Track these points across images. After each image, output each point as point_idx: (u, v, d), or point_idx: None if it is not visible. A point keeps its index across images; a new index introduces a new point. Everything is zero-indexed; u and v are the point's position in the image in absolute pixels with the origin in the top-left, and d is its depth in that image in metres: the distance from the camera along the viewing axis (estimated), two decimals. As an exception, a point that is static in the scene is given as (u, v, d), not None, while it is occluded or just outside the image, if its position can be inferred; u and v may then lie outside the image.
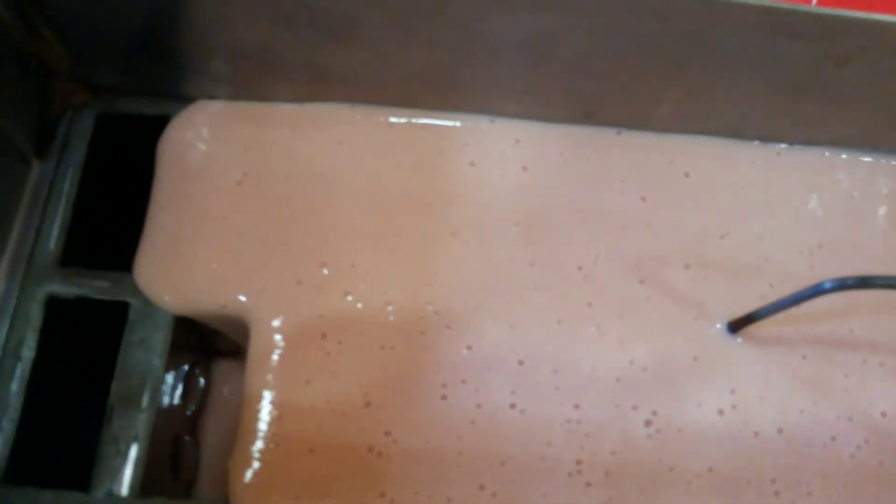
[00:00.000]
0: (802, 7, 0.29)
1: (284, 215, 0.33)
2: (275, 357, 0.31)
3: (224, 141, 0.34)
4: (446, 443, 0.31)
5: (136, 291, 0.33)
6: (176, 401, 0.36)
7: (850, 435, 0.33)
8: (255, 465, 0.30)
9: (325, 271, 0.32)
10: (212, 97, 0.36)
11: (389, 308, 0.32)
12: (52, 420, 0.33)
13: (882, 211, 0.37)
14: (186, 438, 0.36)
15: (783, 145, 0.37)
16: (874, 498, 0.32)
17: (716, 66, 0.32)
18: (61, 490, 0.30)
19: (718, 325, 0.34)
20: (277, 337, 0.31)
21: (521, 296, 0.33)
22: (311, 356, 0.31)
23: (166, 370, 0.33)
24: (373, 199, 0.34)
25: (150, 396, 0.32)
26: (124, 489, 0.31)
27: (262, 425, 0.31)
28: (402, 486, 0.30)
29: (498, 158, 0.35)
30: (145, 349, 0.32)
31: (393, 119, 0.35)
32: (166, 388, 0.34)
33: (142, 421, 0.31)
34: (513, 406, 0.32)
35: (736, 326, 0.34)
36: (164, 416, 0.33)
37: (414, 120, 0.35)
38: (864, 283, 0.28)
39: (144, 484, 0.31)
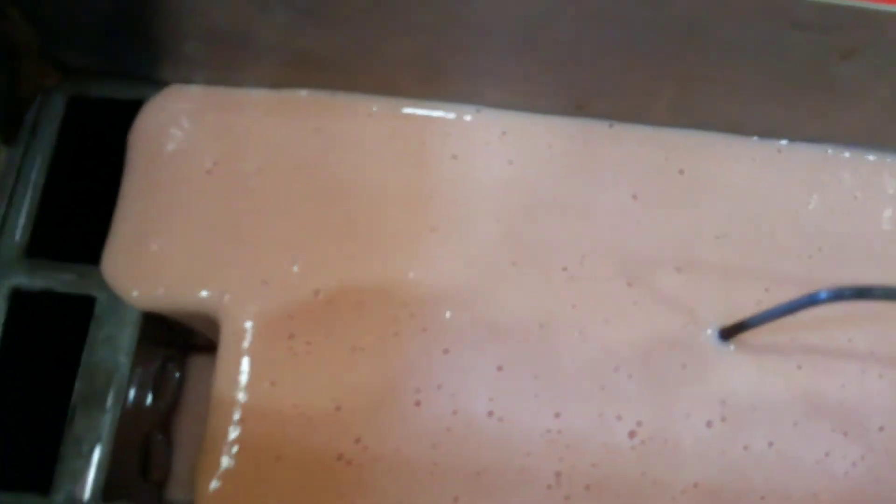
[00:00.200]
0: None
1: (255, 207, 0.32)
2: (241, 357, 0.30)
3: (196, 128, 0.33)
4: (419, 451, 0.29)
5: (104, 285, 0.31)
6: (147, 397, 0.34)
7: (845, 450, 0.31)
8: (221, 472, 0.29)
9: (295, 268, 0.31)
10: (186, 81, 0.34)
11: (362, 308, 0.30)
12: (13, 419, 0.32)
13: (886, 212, 0.35)
14: (158, 437, 0.35)
15: (784, 142, 0.35)
16: (869, 517, 0.31)
17: (714, 56, 0.30)
18: (20, 492, 0.29)
19: (709, 332, 0.32)
20: (244, 336, 0.30)
21: (502, 297, 0.31)
22: (277, 357, 0.30)
23: (137, 365, 0.31)
24: (348, 192, 0.32)
25: (115, 396, 0.30)
26: (87, 492, 0.29)
27: (228, 430, 0.29)
28: (373, 497, 0.29)
29: (482, 151, 0.33)
30: (111, 346, 0.31)
31: (373, 108, 0.33)
32: (137, 384, 0.33)
33: (106, 422, 0.30)
34: (490, 413, 0.30)
35: (728, 334, 0.32)
36: (134, 414, 0.32)
37: (395, 109, 0.33)
38: (861, 293, 0.26)
39: (109, 486, 0.30)
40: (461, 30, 0.30)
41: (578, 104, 0.34)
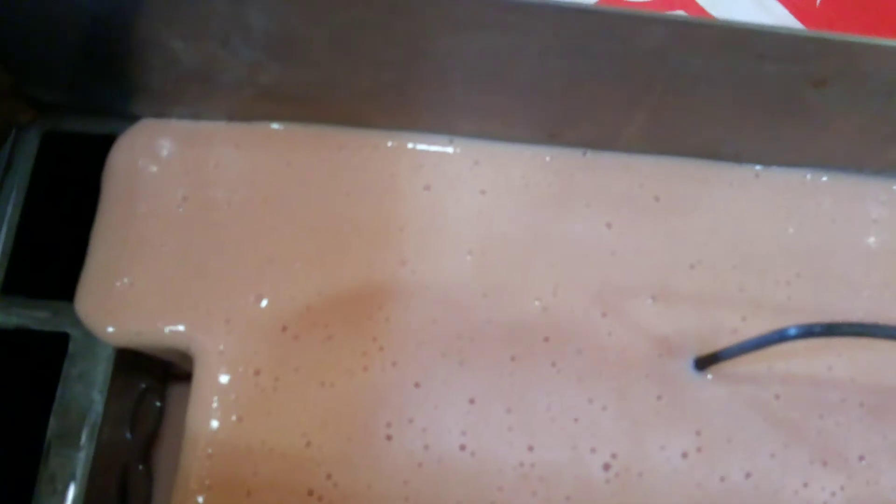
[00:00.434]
0: (769, 28, 0.27)
1: (224, 242, 0.32)
2: (210, 393, 0.30)
3: (167, 162, 0.33)
4: (391, 487, 0.29)
5: (78, 322, 0.31)
6: (125, 431, 0.34)
7: (823, 481, 0.31)
8: (192, 508, 0.29)
9: (263, 303, 0.31)
10: (158, 115, 0.34)
11: (330, 342, 0.30)
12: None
13: (866, 238, 0.34)
14: (138, 468, 0.35)
15: (761, 167, 0.34)
16: (847, 549, 0.30)
17: (683, 87, 0.30)
18: (-6, 531, 0.29)
19: (685, 362, 0.32)
20: (213, 372, 0.30)
21: (473, 329, 0.31)
22: (244, 393, 0.29)
23: (113, 400, 0.31)
24: (318, 226, 0.32)
25: (88, 433, 0.30)
26: (62, 530, 0.30)
27: (199, 467, 0.29)
28: (343, 533, 0.29)
29: (454, 182, 0.33)
30: (85, 383, 0.31)
31: (344, 140, 0.33)
32: (113, 419, 0.33)
33: (80, 459, 0.30)
34: (463, 447, 0.30)
35: (703, 364, 0.31)
36: (111, 449, 0.32)
37: (366, 141, 0.33)
38: (831, 330, 0.26)
39: (84, 523, 0.30)
40: (427, 64, 0.30)
41: (551, 133, 0.33)
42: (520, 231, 0.33)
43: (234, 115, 0.33)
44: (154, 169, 0.33)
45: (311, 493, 0.29)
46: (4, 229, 0.33)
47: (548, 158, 0.34)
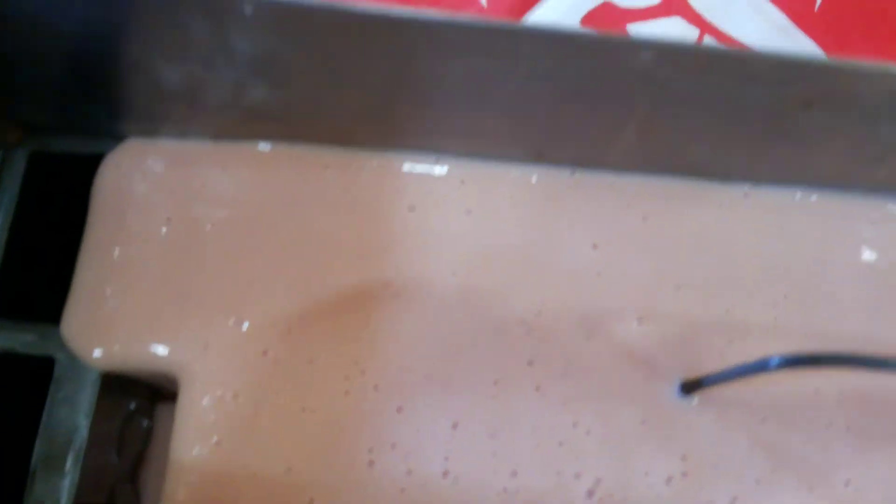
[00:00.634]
0: (755, 53, 0.27)
1: (205, 264, 0.32)
2: (192, 418, 0.30)
3: (152, 182, 0.33)
4: (373, 512, 0.29)
5: (64, 346, 0.32)
6: (112, 453, 0.34)
7: (810, 505, 0.31)
8: (175, 537, 0.29)
9: (244, 326, 0.31)
10: (145, 135, 0.34)
11: (311, 366, 0.30)
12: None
13: (856, 258, 0.34)
14: (126, 488, 0.35)
15: (750, 186, 0.34)
16: (833, 575, 0.30)
17: (669, 108, 0.30)
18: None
19: (671, 386, 0.32)
20: (193, 397, 0.30)
21: (456, 353, 0.31)
22: (225, 418, 0.29)
23: (99, 424, 0.32)
24: (301, 247, 0.32)
25: (74, 458, 0.31)
26: (49, 556, 0.30)
27: (181, 492, 0.29)
28: (325, 559, 0.29)
29: (440, 202, 0.33)
30: (70, 407, 0.31)
31: (329, 159, 0.33)
32: (99, 442, 0.33)
33: (65, 485, 0.30)
34: (445, 473, 0.30)
35: (689, 388, 0.31)
36: (97, 472, 0.32)
37: (351, 160, 0.33)
38: (814, 360, 0.26)
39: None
40: (411, 87, 0.30)
41: (538, 152, 0.33)
42: (505, 252, 0.33)
43: (219, 135, 0.33)
44: (140, 189, 0.33)
45: (293, 518, 0.29)
46: (-8, 251, 0.33)
47: (534, 178, 0.34)
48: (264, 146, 0.33)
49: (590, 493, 0.30)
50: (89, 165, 0.34)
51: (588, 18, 0.45)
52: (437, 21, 0.26)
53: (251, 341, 0.30)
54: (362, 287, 0.32)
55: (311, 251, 0.32)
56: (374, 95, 0.30)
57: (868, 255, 0.34)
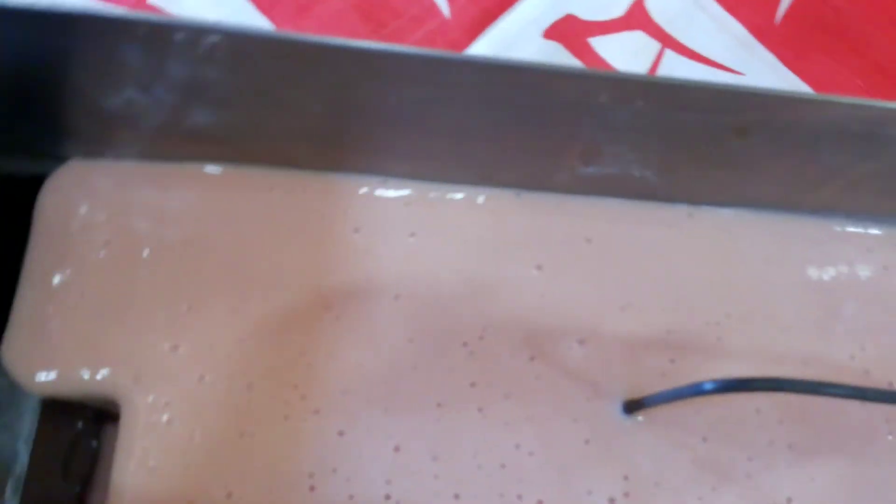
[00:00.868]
0: (684, 82, 0.28)
1: (143, 288, 0.32)
2: (129, 445, 0.30)
3: (93, 205, 0.33)
4: (315, 537, 0.30)
5: (3, 372, 0.32)
6: (56, 478, 0.35)
7: (750, 523, 0.32)
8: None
9: (180, 352, 0.31)
10: (87, 156, 0.34)
11: (250, 392, 0.31)
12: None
13: (799, 277, 0.35)
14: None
15: (694, 207, 0.35)
16: (772, 593, 0.31)
17: (608, 135, 0.31)
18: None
19: (613, 406, 0.32)
20: (130, 423, 0.30)
21: (398, 376, 0.32)
22: (161, 445, 0.30)
23: (40, 450, 0.32)
24: (242, 270, 0.32)
25: (13, 486, 0.31)
26: (-8, 585, 0.30)
27: (121, 520, 0.30)
28: (267, 584, 0.29)
29: (385, 224, 0.34)
30: (10, 434, 0.31)
31: (272, 181, 0.34)
32: (42, 468, 0.33)
33: (8, 514, 0.31)
34: (388, 497, 0.31)
35: (631, 408, 0.32)
36: (44, 495, 0.32)
37: (295, 182, 0.34)
38: (745, 385, 0.27)
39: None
40: (352, 112, 0.30)
41: (483, 175, 0.34)
42: (449, 274, 0.33)
43: (162, 157, 0.34)
44: (81, 211, 0.33)
45: (233, 544, 0.30)
46: (-69, 275, 0.33)
47: (480, 200, 0.35)
48: (208, 168, 0.34)
49: (532, 515, 0.31)
50: (31, 187, 0.34)
51: (551, 31, 0.46)
52: (372, 50, 0.27)
53: (187, 366, 0.31)
54: (303, 310, 0.32)
55: (252, 274, 0.32)
56: (317, 120, 0.31)
57: (811, 274, 0.35)
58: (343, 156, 0.34)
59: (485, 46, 0.44)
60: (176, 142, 0.33)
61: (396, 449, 0.31)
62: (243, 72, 0.28)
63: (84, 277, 0.32)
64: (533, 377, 0.32)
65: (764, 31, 0.48)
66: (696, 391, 0.28)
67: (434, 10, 0.45)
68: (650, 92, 0.28)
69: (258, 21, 0.43)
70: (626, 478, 0.32)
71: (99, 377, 0.31)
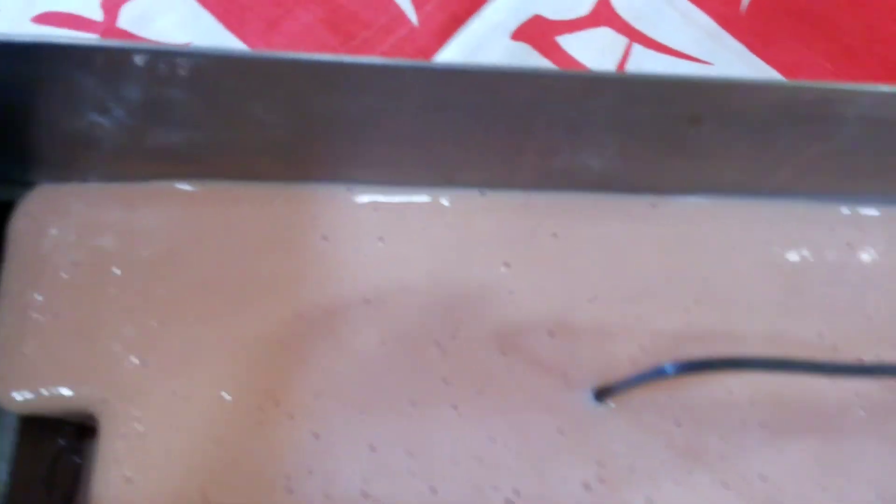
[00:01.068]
0: (632, 76, 0.29)
1: (113, 306, 0.33)
2: (107, 457, 0.31)
3: (62, 227, 0.34)
4: (295, 538, 0.31)
5: (-20, 393, 0.33)
6: (41, 492, 0.36)
7: (726, 503, 0.33)
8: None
9: (150, 366, 0.32)
10: (55, 180, 0.36)
11: (224, 400, 0.32)
12: None
13: (764, 259, 0.36)
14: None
15: (656, 197, 0.37)
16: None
17: (563, 131, 0.32)
18: None
19: (585, 395, 0.34)
20: (107, 437, 0.32)
21: (371, 377, 0.33)
22: (137, 455, 0.31)
23: (22, 468, 0.33)
24: (212, 283, 0.34)
25: (-5, 505, 0.32)
26: None
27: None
28: (250, 587, 0.31)
29: (353, 230, 0.35)
30: (-10, 454, 0.33)
31: (238, 194, 0.35)
32: (23, 486, 0.34)
33: (-10, 532, 0.32)
34: (365, 495, 0.32)
35: (601, 395, 0.33)
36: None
37: (261, 194, 0.35)
38: (706, 365, 0.28)
39: None
40: (309, 124, 0.32)
41: (446, 176, 0.35)
42: (419, 276, 0.35)
43: (128, 177, 0.35)
44: (51, 233, 0.34)
45: (215, 549, 0.31)
46: None
47: (446, 201, 0.36)
48: (172, 185, 0.35)
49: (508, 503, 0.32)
50: (1, 213, 0.36)
51: (519, 32, 0.47)
52: (327, 63, 0.28)
53: (159, 380, 0.32)
54: (275, 319, 0.34)
55: (222, 286, 0.34)
56: (277, 132, 0.32)
57: (776, 256, 0.37)
58: (308, 166, 0.35)
59: (454, 51, 0.45)
60: (141, 162, 0.34)
61: (372, 448, 0.32)
62: (203, 91, 0.30)
63: (56, 298, 0.33)
64: (505, 371, 0.34)
65: (730, 20, 0.49)
66: (658, 374, 0.29)
67: (402, 18, 0.47)
68: (602, 88, 0.30)
69: (228, 40, 0.45)
70: (600, 464, 0.33)
71: (74, 395, 0.32)
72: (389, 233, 0.35)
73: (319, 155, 0.34)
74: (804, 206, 0.37)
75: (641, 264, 0.36)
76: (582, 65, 0.47)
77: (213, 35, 0.45)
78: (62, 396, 0.32)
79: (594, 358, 0.34)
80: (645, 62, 0.47)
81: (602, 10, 0.49)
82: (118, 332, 0.33)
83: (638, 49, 0.48)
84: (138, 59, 0.28)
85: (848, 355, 0.35)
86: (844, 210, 0.37)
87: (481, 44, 0.46)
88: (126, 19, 0.44)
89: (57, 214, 0.35)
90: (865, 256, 0.37)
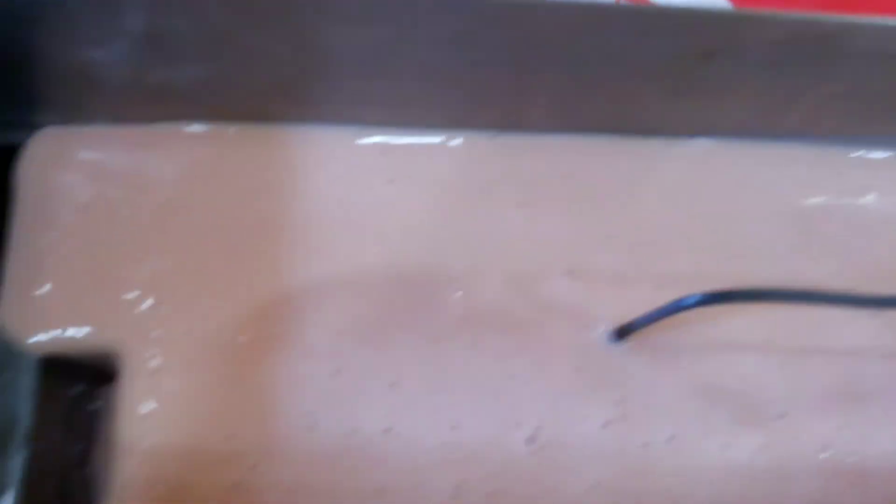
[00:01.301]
0: (646, 8, 0.30)
1: (126, 248, 0.34)
2: (126, 398, 0.32)
3: (70, 169, 0.35)
4: (317, 474, 0.31)
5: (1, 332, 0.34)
6: (59, 439, 0.36)
7: (745, 440, 0.34)
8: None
9: (168, 308, 0.33)
10: (60, 122, 0.36)
11: (240, 339, 0.33)
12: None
13: (774, 202, 0.37)
14: (77, 474, 0.37)
15: (668, 138, 0.38)
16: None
17: (575, 68, 0.33)
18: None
19: (603, 334, 0.35)
20: (128, 377, 0.32)
21: (389, 318, 0.34)
22: (157, 394, 0.32)
23: (42, 409, 0.33)
24: (222, 226, 0.34)
25: (18, 443, 0.32)
26: (1, 542, 0.31)
27: (127, 472, 0.31)
28: (272, 524, 0.31)
29: (362, 172, 0.36)
30: (11, 394, 0.33)
31: (245, 136, 0.36)
32: (44, 427, 0.35)
33: (13, 469, 0.32)
34: (387, 430, 0.32)
35: (620, 334, 0.34)
36: (47, 454, 0.34)
37: (269, 136, 0.36)
38: (726, 297, 0.29)
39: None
40: (319, 57, 0.32)
41: (457, 118, 0.36)
42: (431, 218, 0.35)
43: (134, 119, 0.36)
44: (59, 176, 0.35)
45: (237, 485, 0.31)
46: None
47: (456, 143, 0.37)
48: (179, 127, 0.36)
49: (530, 440, 0.33)
50: (6, 156, 0.36)
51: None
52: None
53: (175, 320, 0.33)
54: (287, 260, 0.34)
55: (233, 229, 0.34)
56: (283, 68, 0.33)
57: (785, 199, 0.38)
58: (314, 107, 0.35)
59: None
60: (148, 103, 0.35)
61: (392, 385, 0.33)
62: (202, 20, 0.30)
63: (68, 239, 0.34)
64: (522, 311, 0.34)
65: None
66: (678, 307, 0.30)
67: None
68: (608, 19, 0.31)
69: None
70: (619, 402, 0.34)
71: (91, 335, 0.33)
72: (400, 175, 0.36)
73: (327, 94, 0.35)
74: (816, 150, 0.38)
75: (654, 206, 0.37)
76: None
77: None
78: (78, 338, 0.33)
79: (611, 299, 0.35)
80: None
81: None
82: (132, 274, 0.33)
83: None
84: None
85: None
86: (855, 153, 0.39)
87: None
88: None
89: (64, 156, 0.35)
90: (877, 198, 0.38)
